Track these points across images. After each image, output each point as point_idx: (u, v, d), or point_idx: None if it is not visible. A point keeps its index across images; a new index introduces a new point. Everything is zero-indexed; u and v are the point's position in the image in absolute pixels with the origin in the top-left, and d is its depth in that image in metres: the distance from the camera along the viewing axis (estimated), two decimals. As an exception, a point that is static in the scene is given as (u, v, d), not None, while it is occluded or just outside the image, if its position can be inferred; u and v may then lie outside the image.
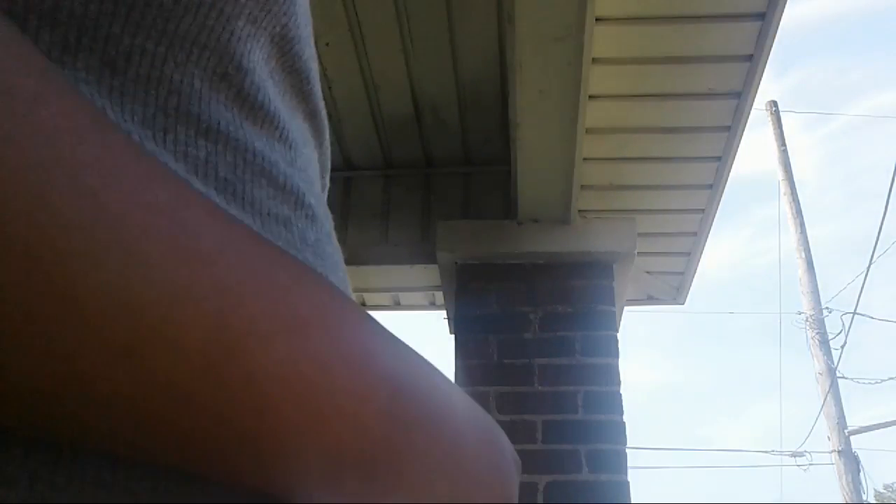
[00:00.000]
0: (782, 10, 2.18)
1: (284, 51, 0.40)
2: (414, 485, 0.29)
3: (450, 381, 0.33)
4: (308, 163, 0.42)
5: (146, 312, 0.21)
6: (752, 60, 2.35)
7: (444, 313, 3.35)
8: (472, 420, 0.33)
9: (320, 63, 2.60)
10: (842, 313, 10.78)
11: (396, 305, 3.82)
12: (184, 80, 0.33)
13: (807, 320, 10.94)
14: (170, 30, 0.33)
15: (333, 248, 0.42)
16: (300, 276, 0.27)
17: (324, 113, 0.47)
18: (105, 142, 0.22)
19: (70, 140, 0.21)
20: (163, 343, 0.22)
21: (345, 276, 0.43)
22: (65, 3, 0.29)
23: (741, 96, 2.47)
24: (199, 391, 0.23)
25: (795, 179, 11.75)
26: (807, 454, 11.93)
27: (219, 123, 0.34)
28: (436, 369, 0.32)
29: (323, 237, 0.40)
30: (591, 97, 2.36)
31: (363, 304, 3.68)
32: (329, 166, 0.52)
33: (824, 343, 10.78)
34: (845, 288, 20.46)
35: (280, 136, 0.39)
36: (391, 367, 0.29)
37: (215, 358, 0.23)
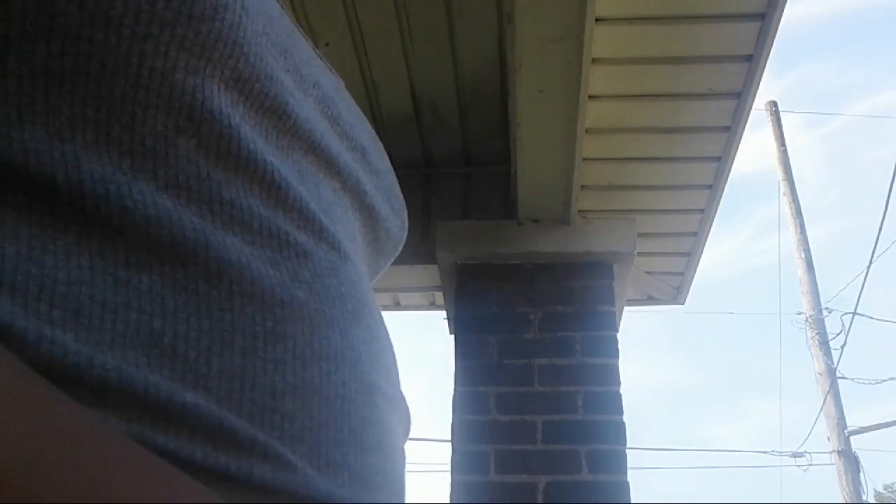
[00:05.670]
0: (782, 10, 2.18)
1: (246, 93, 0.40)
2: None
3: None
4: (306, 198, 0.42)
5: None
6: (752, 60, 2.35)
7: (444, 313, 3.35)
8: None
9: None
10: (842, 313, 10.78)
11: (396, 305, 3.82)
12: (133, 140, 0.36)
13: (807, 320, 10.93)
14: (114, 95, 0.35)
15: (341, 281, 0.42)
16: None
17: (329, 140, 0.46)
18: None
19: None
20: None
21: (358, 304, 0.43)
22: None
23: (741, 96, 2.47)
24: None
25: (795, 179, 11.75)
26: (807, 454, 11.93)
27: (177, 178, 0.36)
28: None
29: (323, 272, 0.41)
30: (591, 97, 2.36)
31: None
32: (384, 188, 0.54)
33: (824, 343, 10.77)
34: (845, 288, 20.33)
35: (261, 177, 0.40)
36: None
37: None
